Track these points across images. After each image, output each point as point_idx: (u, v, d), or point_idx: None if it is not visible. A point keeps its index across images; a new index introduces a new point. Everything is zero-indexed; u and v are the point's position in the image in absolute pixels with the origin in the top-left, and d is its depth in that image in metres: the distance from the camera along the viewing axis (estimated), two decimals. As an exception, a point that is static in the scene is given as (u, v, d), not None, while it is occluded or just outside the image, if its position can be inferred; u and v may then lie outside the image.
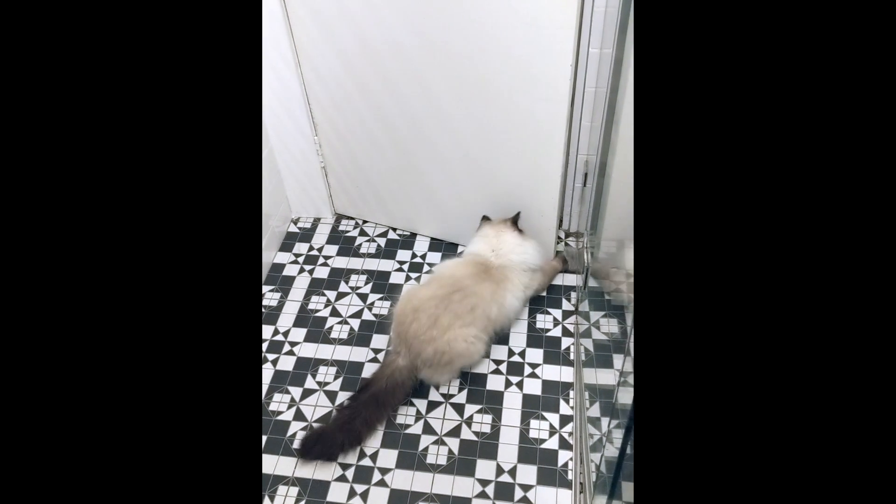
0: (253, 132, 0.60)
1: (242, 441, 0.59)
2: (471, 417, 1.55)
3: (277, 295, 1.87)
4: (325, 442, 1.47)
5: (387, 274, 1.93)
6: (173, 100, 0.54)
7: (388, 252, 1.99)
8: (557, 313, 1.78)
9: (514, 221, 1.71)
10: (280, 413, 1.58)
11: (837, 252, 0.47)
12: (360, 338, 1.75)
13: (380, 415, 1.51)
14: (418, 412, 1.57)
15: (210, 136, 0.56)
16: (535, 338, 1.72)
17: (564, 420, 1.54)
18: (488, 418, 1.55)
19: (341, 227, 2.09)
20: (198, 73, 0.55)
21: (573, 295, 1.83)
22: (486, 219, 1.76)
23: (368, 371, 1.66)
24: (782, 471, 0.48)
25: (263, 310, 1.83)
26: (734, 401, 0.50)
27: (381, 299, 1.85)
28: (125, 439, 0.53)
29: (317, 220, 2.11)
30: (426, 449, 1.50)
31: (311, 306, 1.84)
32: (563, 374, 1.63)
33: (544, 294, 1.83)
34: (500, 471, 1.45)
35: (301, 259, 1.98)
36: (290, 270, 1.95)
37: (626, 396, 1.01)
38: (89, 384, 0.52)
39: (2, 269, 0.50)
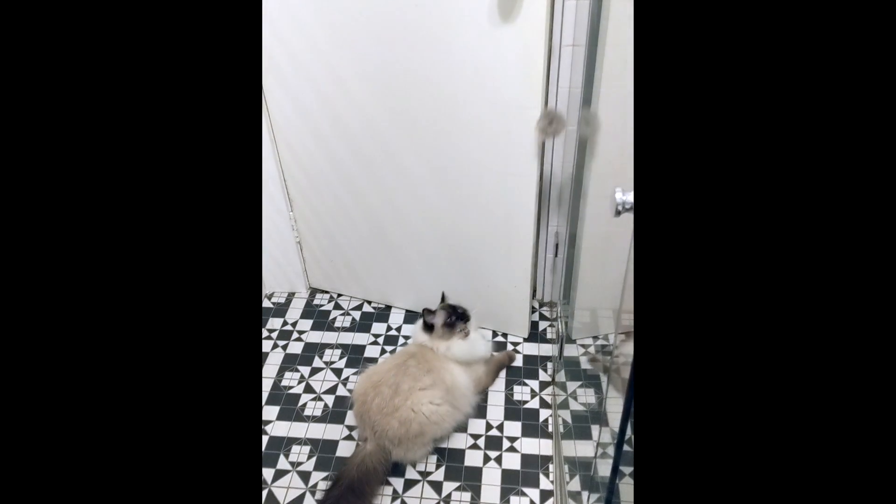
0: (254, 205, 0.62)
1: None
2: (449, 496, 1.51)
3: (250, 372, 1.83)
4: None
5: (361, 347, 1.91)
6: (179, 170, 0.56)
7: (362, 325, 1.98)
8: (535, 384, 1.77)
9: (425, 321, 1.62)
10: (250, 497, 1.51)
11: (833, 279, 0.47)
12: (334, 415, 1.71)
13: None
14: (395, 492, 1.52)
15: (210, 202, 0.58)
16: (513, 410, 1.70)
17: (545, 495, 1.50)
18: (467, 496, 1.50)
19: (316, 301, 2.08)
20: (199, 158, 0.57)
21: (549, 365, 1.83)
22: (441, 298, 1.74)
23: (343, 449, 1.61)
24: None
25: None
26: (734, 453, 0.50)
27: (355, 374, 1.82)
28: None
29: (291, 295, 2.10)
30: (403, 531, 1.44)
31: (284, 383, 1.80)
32: (542, 447, 1.61)
33: (520, 365, 1.83)
34: (480, 552, 1.40)
35: (275, 335, 1.96)
36: (263, 346, 1.92)
37: (605, 469, 1.00)
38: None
39: (1, 273, 0.50)
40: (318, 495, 1.51)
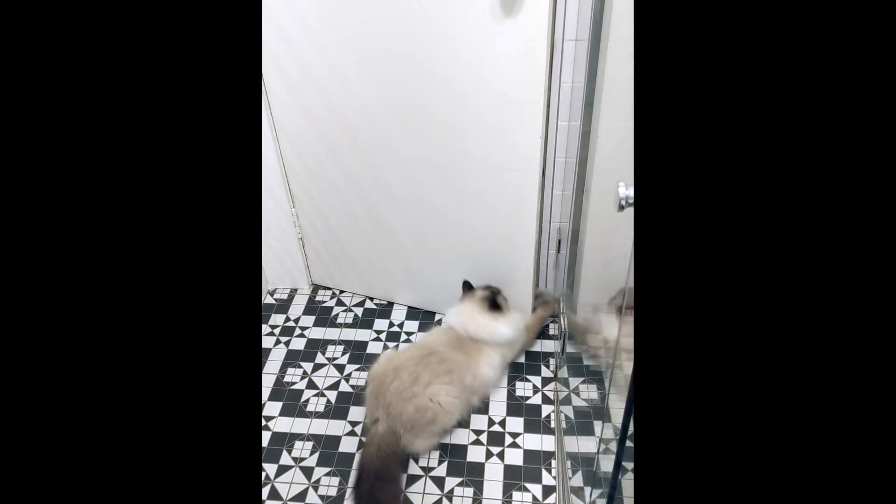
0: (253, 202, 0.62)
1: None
2: (451, 491, 1.51)
3: (252, 368, 1.83)
4: None
5: (364, 344, 1.91)
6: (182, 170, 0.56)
7: (365, 322, 1.98)
8: (537, 380, 1.77)
9: (492, 300, 1.67)
10: (253, 492, 1.52)
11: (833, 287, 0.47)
12: (336, 410, 1.71)
13: (395, 490, 1.44)
14: (397, 487, 1.52)
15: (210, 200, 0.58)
16: (515, 406, 1.70)
17: (547, 491, 1.50)
18: (469, 492, 1.51)
19: (318, 298, 2.08)
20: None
21: (552, 361, 1.83)
22: (467, 286, 1.76)
23: (345, 445, 1.61)
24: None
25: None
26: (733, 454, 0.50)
27: (358, 370, 1.82)
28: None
29: (293, 291, 2.10)
30: (406, 526, 1.44)
31: (287, 379, 1.80)
32: (545, 442, 1.61)
33: (523, 361, 1.83)
34: (482, 548, 1.40)
35: (277, 331, 1.96)
36: (265, 343, 1.92)
37: (607, 464, 1.00)
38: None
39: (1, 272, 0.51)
40: (321, 490, 1.51)
